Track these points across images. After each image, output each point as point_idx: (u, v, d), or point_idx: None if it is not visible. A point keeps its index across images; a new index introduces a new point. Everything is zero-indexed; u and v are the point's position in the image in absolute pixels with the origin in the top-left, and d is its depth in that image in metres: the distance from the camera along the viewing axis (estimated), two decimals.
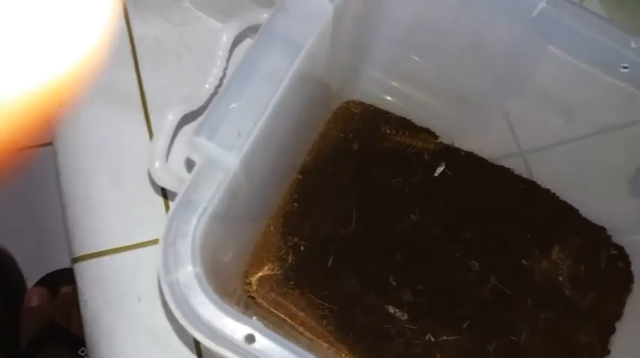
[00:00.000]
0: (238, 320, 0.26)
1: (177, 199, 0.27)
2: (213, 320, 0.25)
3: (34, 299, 0.67)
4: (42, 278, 0.73)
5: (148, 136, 0.51)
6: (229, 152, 0.27)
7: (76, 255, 0.47)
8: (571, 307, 0.46)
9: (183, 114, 0.33)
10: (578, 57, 0.37)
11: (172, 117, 0.32)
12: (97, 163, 0.50)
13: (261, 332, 0.26)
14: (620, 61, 0.35)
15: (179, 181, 0.32)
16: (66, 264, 0.73)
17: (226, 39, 0.34)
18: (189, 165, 0.29)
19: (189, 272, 0.25)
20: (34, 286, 0.72)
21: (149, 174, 0.39)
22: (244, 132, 0.28)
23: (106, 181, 0.49)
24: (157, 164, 0.32)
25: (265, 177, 0.38)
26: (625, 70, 0.35)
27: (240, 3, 0.52)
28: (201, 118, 0.28)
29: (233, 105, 0.28)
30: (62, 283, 0.70)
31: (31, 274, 0.76)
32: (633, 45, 0.34)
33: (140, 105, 0.52)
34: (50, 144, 0.53)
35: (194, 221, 0.26)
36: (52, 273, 0.74)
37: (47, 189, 0.75)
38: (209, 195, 0.27)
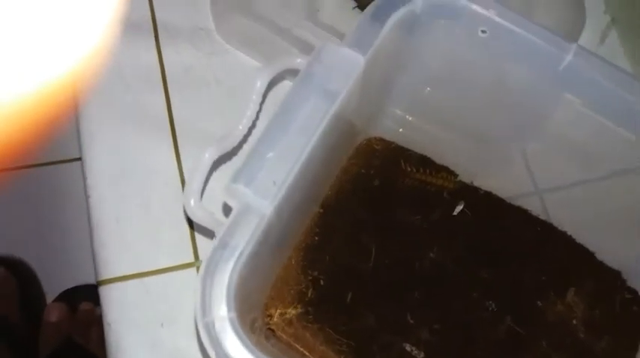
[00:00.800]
0: None
1: (214, 241, 0.29)
2: None
3: (54, 314, 0.68)
4: (62, 293, 0.75)
5: (175, 162, 0.52)
6: (265, 200, 0.29)
7: (102, 278, 0.49)
8: (585, 351, 0.46)
9: (218, 155, 0.35)
10: (599, 111, 0.38)
11: (208, 157, 0.34)
12: (125, 187, 0.51)
13: None
14: (636, 115, 0.36)
15: (211, 218, 0.33)
16: (86, 280, 0.75)
17: (260, 84, 0.36)
18: (226, 209, 0.30)
19: (224, 317, 0.27)
20: (53, 301, 0.73)
21: (184, 210, 0.40)
22: (279, 180, 0.29)
23: (134, 206, 0.50)
24: (192, 201, 0.33)
25: (292, 215, 0.39)
26: None
27: (268, 38, 0.54)
28: (238, 165, 0.30)
29: (270, 154, 0.29)
30: (82, 299, 0.71)
31: (51, 288, 0.77)
32: None
33: (169, 131, 0.54)
34: (75, 159, 0.55)
35: (231, 264, 0.28)
36: (72, 289, 0.75)
37: (72, 204, 0.77)
38: (245, 240, 0.28)
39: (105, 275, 0.49)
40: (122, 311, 0.47)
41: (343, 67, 0.32)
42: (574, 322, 0.47)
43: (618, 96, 0.37)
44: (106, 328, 0.47)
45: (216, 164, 0.38)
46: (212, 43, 0.58)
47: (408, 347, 0.45)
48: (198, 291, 0.27)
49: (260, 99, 0.36)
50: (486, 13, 0.36)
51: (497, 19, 0.36)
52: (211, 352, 0.26)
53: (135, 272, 0.48)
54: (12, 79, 0.11)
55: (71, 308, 0.70)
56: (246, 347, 0.26)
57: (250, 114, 0.36)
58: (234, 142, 0.35)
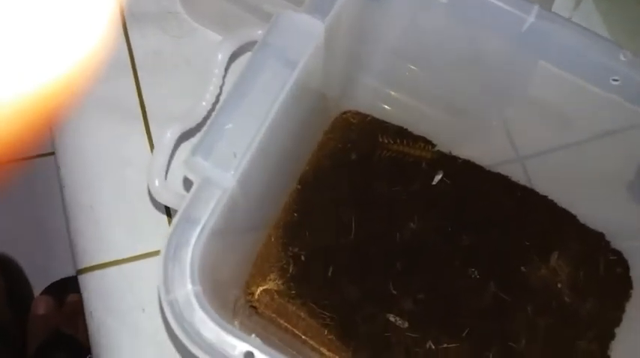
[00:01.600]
0: (237, 337, 0.26)
1: (175, 218, 0.28)
2: (212, 337, 0.26)
3: (41, 307, 0.68)
4: (48, 286, 0.74)
5: (149, 147, 0.52)
6: (226, 172, 0.28)
7: (81, 267, 0.48)
8: (570, 314, 0.46)
9: (180, 132, 0.34)
10: (569, 70, 0.37)
11: (170, 136, 0.33)
12: (99, 175, 0.50)
13: (260, 349, 0.26)
14: (610, 74, 0.35)
15: (178, 198, 0.32)
16: (72, 273, 0.74)
17: (222, 57, 0.35)
18: (187, 184, 0.29)
19: (188, 291, 0.26)
20: (40, 294, 0.73)
21: (148, 191, 0.39)
22: (240, 151, 0.28)
23: (109, 193, 0.50)
24: (157, 182, 0.32)
25: (264, 190, 0.39)
26: (616, 83, 0.35)
27: (237, 15, 0.53)
28: (197, 138, 0.29)
29: (228, 125, 0.28)
30: (69, 291, 0.71)
31: (39, 283, 0.77)
32: (622, 58, 0.34)
33: (140, 117, 0.53)
34: (45, 155, 0.54)
35: (193, 240, 0.27)
36: (58, 282, 0.75)
37: (53, 198, 0.76)
38: (207, 214, 0.27)
39: (83, 263, 0.48)
40: (103, 299, 0.47)
41: (301, 33, 0.31)
42: (558, 285, 0.47)
43: (585, 54, 0.36)
44: (88, 317, 0.47)
45: (182, 142, 0.37)
46: (180, 24, 0.57)
47: (392, 318, 0.45)
48: (160, 269, 0.26)
49: (222, 73, 0.35)
50: None
51: None
52: (177, 330, 0.26)
53: (113, 259, 0.48)
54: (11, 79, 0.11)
55: (59, 301, 0.70)
56: (214, 320, 0.25)
57: (213, 88, 0.35)
58: (198, 119, 0.35)
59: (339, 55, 0.38)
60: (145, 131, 0.52)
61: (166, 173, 0.34)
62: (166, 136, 0.32)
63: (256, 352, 0.26)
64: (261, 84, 0.30)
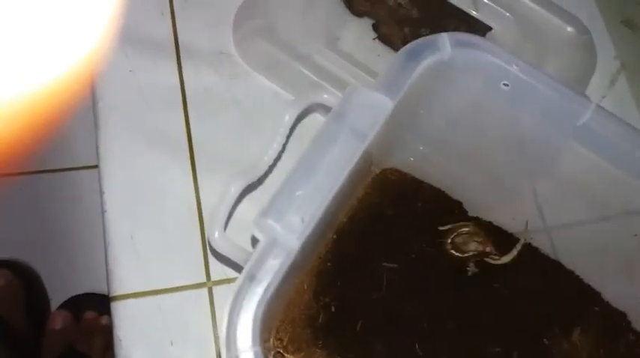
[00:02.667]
0: None
1: (241, 275, 0.29)
2: None
3: (58, 322, 0.69)
4: (67, 300, 0.75)
5: (192, 183, 0.53)
6: (293, 235, 0.30)
7: (115, 294, 0.49)
8: None
9: (244, 186, 0.35)
10: (611, 164, 0.39)
11: (234, 190, 0.35)
12: (141, 206, 0.52)
13: None
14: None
15: (235, 249, 0.34)
16: (92, 288, 0.75)
17: (289, 118, 0.37)
18: (254, 241, 0.31)
19: (249, 353, 0.27)
20: (58, 308, 0.74)
21: (208, 242, 0.41)
22: (307, 217, 0.30)
23: (149, 224, 0.51)
24: (217, 234, 0.34)
25: (309, 243, 0.40)
26: None
27: (285, 62, 0.55)
28: (268, 200, 0.31)
29: (299, 192, 0.30)
30: (86, 307, 0.72)
31: (57, 294, 0.78)
32: None
33: (187, 152, 0.55)
34: (84, 167, 0.56)
35: (257, 299, 0.28)
36: (76, 297, 0.75)
37: (79, 212, 0.78)
38: (272, 275, 0.29)
39: (118, 291, 0.49)
40: (133, 328, 0.48)
41: (372, 110, 0.33)
42: None
43: (632, 153, 0.38)
44: (117, 343, 0.48)
45: (241, 194, 0.39)
46: (233, 66, 0.59)
47: None
48: (224, 325, 0.27)
49: (287, 133, 0.37)
50: (509, 68, 0.37)
51: (521, 75, 0.37)
52: None
53: (148, 289, 0.49)
54: (11, 79, 0.11)
55: (75, 316, 0.71)
56: None
57: (277, 146, 0.37)
58: (259, 174, 0.36)
59: (397, 124, 0.40)
60: (190, 166, 0.54)
61: (226, 225, 0.35)
62: (230, 190, 0.34)
63: None
64: (332, 154, 0.32)
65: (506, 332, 0.48)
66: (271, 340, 0.46)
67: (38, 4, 0.11)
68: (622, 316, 0.50)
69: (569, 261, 0.52)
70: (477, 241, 0.49)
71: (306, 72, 0.55)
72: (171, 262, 0.50)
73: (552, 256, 0.52)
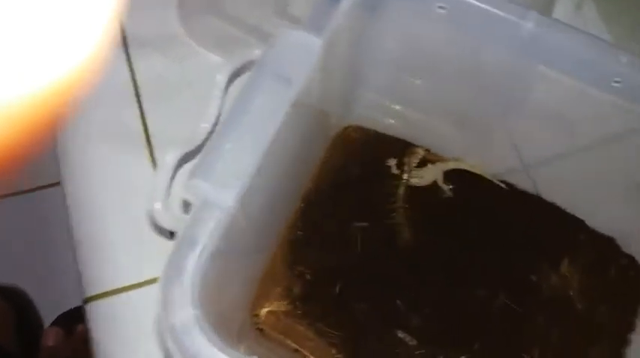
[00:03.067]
0: None
1: (175, 241, 0.28)
2: None
3: (51, 338, 0.68)
4: (57, 317, 0.74)
5: (153, 173, 0.52)
6: (226, 193, 0.28)
7: (87, 296, 0.48)
8: (583, 321, 0.45)
9: (181, 154, 0.34)
10: (570, 75, 0.37)
11: (170, 159, 0.33)
12: (105, 203, 0.50)
13: None
14: (611, 76, 0.35)
15: (181, 221, 0.32)
16: (80, 302, 0.74)
17: (221, 78, 0.35)
18: (187, 206, 0.29)
19: (189, 315, 0.26)
20: (49, 326, 0.73)
21: (150, 217, 0.39)
22: (240, 172, 0.28)
23: (115, 220, 0.50)
24: (158, 205, 0.32)
25: (266, 209, 0.39)
26: (617, 85, 0.35)
27: (238, 37, 0.53)
28: (197, 160, 0.29)
29: (228, 145, 0.28)
30: (78, 321, 0.71)
31: (49, 314, 0.77)
32: (623, 59, 0.34)
33: (144, 143, 0.53)
34: (47, 186, 0.54)
35: (193, 262, 0.27)
36: (67, 312, 0.74)
37: (61, 229, 0.77)
38: (207, 236, 0.27)
39: (90, 292, 0.48)
40: (109, 328, 0.47)
41: (299, 51, 0.31)
42: (570, 293, 0.46)
43: (585, 58, 0.36)
44: (95, 347, 0.47)
45: (184, 164, 0.37)
46: (182, 47, 0.57)
47: (400, 334, 0.44)
48: (160, 292, 0.26)
49: (222, 95, 0.36)
50: None
51: None
52: (177, 356, 0.25)
53: (119, 286, 0.48)
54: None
55: (68, 331, 0.70)
56: (215, 345, 0.25)
57: (213, 110, 0.35)
58: (198, 141, 0.35)
59: (338, 70, 0.38)
60: (149, 157, 0.52)
61: (168, 196, 0.34)
62: (166, 159, 0.32)
63: None
64: (260, 103, 0.30)
65: (489, 274, 0.46)
66: (249, 318, 0.45)
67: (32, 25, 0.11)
68: (610, 241, 0.48)
69: (550, 194, 0.50)
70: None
71: (257, 42, 0.53)
72: (140, 256, 0.49)
73: (533, 192, 0.50)
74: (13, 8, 0.11)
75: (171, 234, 0.49)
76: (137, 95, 0.55)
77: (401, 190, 0.49)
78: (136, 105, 0.55)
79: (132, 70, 0.56)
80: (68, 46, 0.12)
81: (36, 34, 0.11)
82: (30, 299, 0.76)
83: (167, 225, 0.33)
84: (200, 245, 0.27)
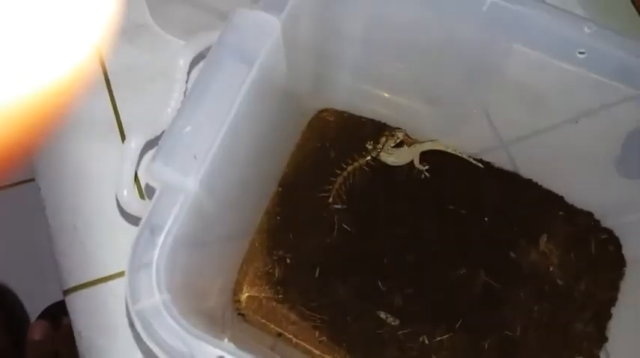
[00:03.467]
0: (208, 343, 0.26)
1: (139, 227, 0.27)
2: (183, 345, 0.25)
3: (37, 333, 0.67)
4: (43, 311, 0.74)
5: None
6: (186, 176, 0.27)
7: (67, 287, 0.48)
8: (564, 296, 0.45)
9: (145, 140, 0.33)
10: (536, 47, 0.36)
11: (135, 145, 0.33)
12: (80, 194, 0.50)
13: (232, 353, 0.26)
14: (576, 47, 0.35)
15: (146, 208, 0.32)
16: None
17: (183, 62, 0.34)
18: (150, 191, 0.29)
19: (156, 300, 0.25)
20: (36, 320, 0.72)
21: (117, 204, 0.39)
22: (200, 154, 0.28)
23: (91, 211, 0.49)
24: (125, 192, 0.32)
25: (239, 193, 0.38)
26: (582, 56, 0.35)
27: (208, 23, 0.52)
28: (158, 144, 0.28)
29: (187, 128, 0.28)
30: (63, 314, 0.70)
31: (34, 308, 0.76)
32: (587, 30, 0.33)
33: (117, 134, 0.52)
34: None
35: (157, 247, 0.26)
36: (52, 305, 0.74)
37: (40, 223, 0.76)
38: (170, 220, 0.27)
39: (69, 284, 0.48)
40: (91, 318, 0.46)
41: (257, 31, 0.30)
42: (550, 269, 0.46)
43: (552, 30, 0.36)
44: (77, 337, 0.46)
45: (150, 150, 0.37)
46: (153, 37, 0.56)
47: (382, 315, 0.44)
48: (126, 279, 0.25)
49: (185, 78, 0.35)
50: None
51: None
52: (147, 340, 0.25)
53: (98, 276, 0.47)
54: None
55: (54, 324, 0.69)
56: (183, 327, 0.25)
57: (177, 95, 0.34)
58: (163, 126, 0.34)
59: (304, 50, 0.37)
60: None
61: (134, 183, 0.33)
62: (131, 146, 0.32)
63: (228, 357, 0.25)
64: (219, 84, 0.29)
65: (469, 252, 0.46)
66: (230, 304, 0.45)
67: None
68: (589, 216, 0.48)
69: (528, 171, 0.50)
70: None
71: None
72: (117, 246, 0.48)
73: (511, 169, 0.50)
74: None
75: (119, 209, 0.48)
76: (108, 85, 0.55)
77: (376, 171, 0.48)
78: (107, 95, 0.54)
79: (102, 61, 0.55)
80: (51, 55, 0.12)
81: (25, 38, 0.11)
82: (15, 294, 0.75)
83: (134, 211, 0.32)
84: (164, 230, 0.27)
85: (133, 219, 0.48)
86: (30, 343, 0.67)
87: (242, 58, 0.30)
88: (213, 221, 0.33)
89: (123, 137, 0.52)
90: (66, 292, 0.48)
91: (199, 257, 0.33)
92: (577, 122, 0.41)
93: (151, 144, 0.35)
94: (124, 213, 0.49)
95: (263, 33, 0.30)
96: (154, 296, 0.26)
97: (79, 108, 0.53)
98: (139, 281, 0.26)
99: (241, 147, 0.32)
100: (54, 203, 0.50)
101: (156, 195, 0.28)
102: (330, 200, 0.47)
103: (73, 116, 0.52)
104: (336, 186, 0.48)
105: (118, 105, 0.53)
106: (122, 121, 0.53)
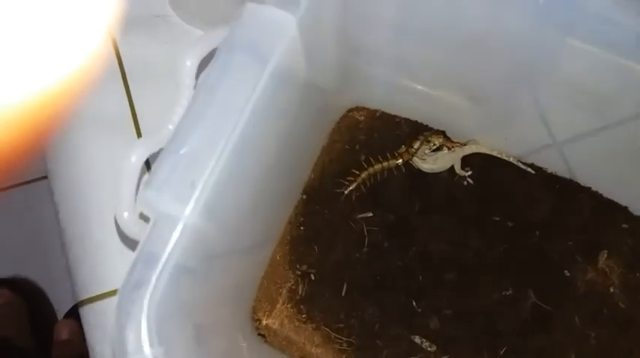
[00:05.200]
0: None
1: (131, 263, 0.24)
2: None
3: (64, 332, 0.66)
4: (71, 309, 0.73)
5: (144, 164, 0.48)
6: (183, 205, 0.23)
7: (81, 298, 0.45)
8: (626, 321, 0.40)
9: (148, 154, 0.29)
10: (596, 43, 0.30)
11: (135, 159, 0.29)
12: (94, 200, 0.47)
13: None
14: None
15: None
16: None
17: (190, 64, 0.30)
18: (145, 219, 0.25)
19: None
20: (63, 318, 0.71)
21: (116, 225, 0.35)
22: (199, 179, 0.24)
23: (106, 217, 0.46)
24: (125, 214, 0.28)
25: (253, 208, 0.34)
26: None
27: (231, 14, 0.48)
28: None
29: (183, 149, 0.24)
30: None
31: (62, 305, 0.75)
32: None
33: (133, 130, 0.49)
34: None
35: (147, 296, 0.22)
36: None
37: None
38: (164, 258, 0.23)
39: (83, 295, 0.45)
40: (104, 332, 0.44)
41: (269, 29, 0.26)
42: (611, 290, 0.41)
43: (612, 20, 0.29)
44: (90, 351, 0.44)
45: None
46: (171, 28, 0.52)
47: (417, 340, 0.40)
48: (114, 328, 0.22)
49: (193, 82, 0.31)
50: None
51: None
52: None
53: (112, 288, 0.44)
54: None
55: (82, 323, 0.68)
56: None
57: (185, 101, 0.30)
58: (168, 136, 0.30)
59: (328, 43, 0.33)
60: None
61: (135, 203, 0.29)
62: (131, 161, 0.28)
63: None
64: (225, 92, 0.25)
65: (516, 270, 0.41)
66: (249, 324, 0.41)
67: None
68: None
69: (586, 177, 0.44)
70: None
71: None
72: (131, 255, 0.45)
73: (566, 174, 0.44)
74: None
75: (118, 231, 0.45)
76: (124, 79, 0.51)
77: (413, 178, 0.43)
78: (123, 90, 0.51)
79: (118, 54, 0.52)
80: (63, 47, 0.12)
81: (33, 38, 0.11)
82: (42, 290, 0.75)
83: (135, 235, 0.28)
84: (158, 266, 0.23)
85: (127, 243, 0.45)
86: (56, 343, 0.66)
87: (252, 61, 0.25)
88: (220, 242, 0.29)
89: (138, 132, 0.49)
90: (79, 303, 0.45)
91: (204, 283, 0.29)
92: None
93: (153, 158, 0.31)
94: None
95: (276, 31, 0.26)
96: (143, 353, 0.22)
97: (93, 102, 0.50)
98: (127, 336, 0.22)
99: (254, 158, 0.28)
100: (67, 207, 0.47)
101: (150, 225, 0.24)
102: (346, 192, 0.42)
103: (87, 113, 0.49)
104: (359, 179, 0.42)
105: (134, 100, 0.50)
106: (138, 116, 0.49)
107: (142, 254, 0.23)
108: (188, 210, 0.23)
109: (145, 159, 0.30)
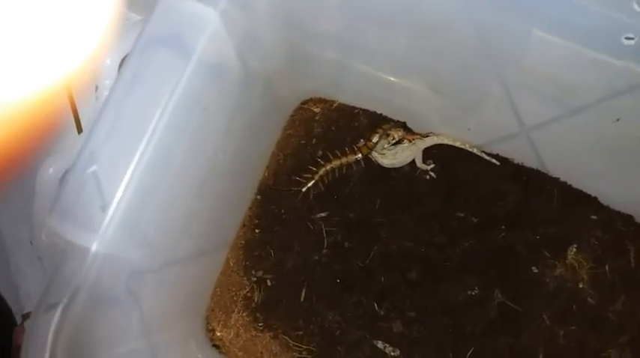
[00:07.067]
0: None
1: (38, 301, 0.21)
2: None
3: (21, 338, 0.63)
4: (25, 314, 0.70)
5: None
6: (92, 234, 0.21)
7: (27, 311, 0.43)
8: (596, 318, 0.38)
9: (65, 168, 0.26)
10: (566, 37, 0.28)
11: (52, 172, 0.26)
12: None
13: None
14: (622, 31, 0.26)
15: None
16: None
17: (110, 62, 0.27)
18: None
19: None
20: (19, 325, 0.68)
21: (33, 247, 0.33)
22: (111, 199, 0.21)
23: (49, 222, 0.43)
24: (43, 236, 0.25)
25: (187, 214, 0.31)
26: (630, 42, 0.26)
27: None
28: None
29: (92, 168, 0.21)
30: None
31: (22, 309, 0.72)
32: (637, 8, 0.25)
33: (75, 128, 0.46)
34: None
35: (50, 331, 0.20)
36: None
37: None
38: (68, 295, 0.20)
39: (29, 307, 0.42)
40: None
41: (189, 21, 0.23)
42: (580, 285, 0.39)
43: (588, 9, 0.27)
44: None
45: None
46: None
47: (379, 344, 0.38)
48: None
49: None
50: None
51: None
52: None
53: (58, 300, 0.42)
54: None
55: None
56: None
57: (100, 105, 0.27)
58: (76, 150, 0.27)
59: (269, 30, 0.29)
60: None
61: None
62: (47, 174, 0.25)
63: None
64: (142, 93, 0.22)
65: (483, 268, 0.39)
66: (202, 335, 0.39)
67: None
68: (628, 219, 0.40)
69: (556, 166, 0.41)
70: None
71: None
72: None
73: (534, 165, 0.41)
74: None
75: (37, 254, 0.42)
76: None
77: (372, 172, 0.41)
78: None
79: None
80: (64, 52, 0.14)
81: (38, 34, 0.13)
82: (2, 297, 0.71)
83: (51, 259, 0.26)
84: (59, 308, 0.20)
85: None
86: (15, 348, 0.63)
87: (172, 57, 0.22)
88: (150, 258, 0.26)
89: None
90: (25, 316, 0.43)
91: (151, 297, 0.26)
92: (618, 120, 0.32)
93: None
94: None
95: (197, 24, 0.23)
96: None
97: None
98: None
99: (186, 161, 0.25)
100: (8, 211, 0.44)
101: (57, 256, 0.21)
102: (303, 190, 0.40)
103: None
104: (317, 176, 0.40)
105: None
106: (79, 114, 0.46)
107: (47, 289, 0.20)
108: (98, 237, 0.21)
109: (62, 172, 0.27)
